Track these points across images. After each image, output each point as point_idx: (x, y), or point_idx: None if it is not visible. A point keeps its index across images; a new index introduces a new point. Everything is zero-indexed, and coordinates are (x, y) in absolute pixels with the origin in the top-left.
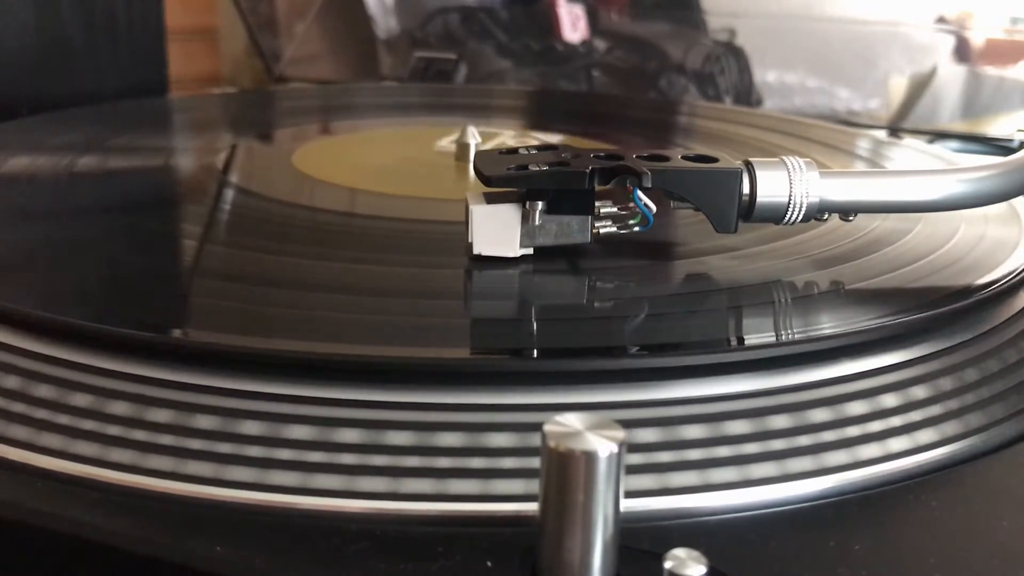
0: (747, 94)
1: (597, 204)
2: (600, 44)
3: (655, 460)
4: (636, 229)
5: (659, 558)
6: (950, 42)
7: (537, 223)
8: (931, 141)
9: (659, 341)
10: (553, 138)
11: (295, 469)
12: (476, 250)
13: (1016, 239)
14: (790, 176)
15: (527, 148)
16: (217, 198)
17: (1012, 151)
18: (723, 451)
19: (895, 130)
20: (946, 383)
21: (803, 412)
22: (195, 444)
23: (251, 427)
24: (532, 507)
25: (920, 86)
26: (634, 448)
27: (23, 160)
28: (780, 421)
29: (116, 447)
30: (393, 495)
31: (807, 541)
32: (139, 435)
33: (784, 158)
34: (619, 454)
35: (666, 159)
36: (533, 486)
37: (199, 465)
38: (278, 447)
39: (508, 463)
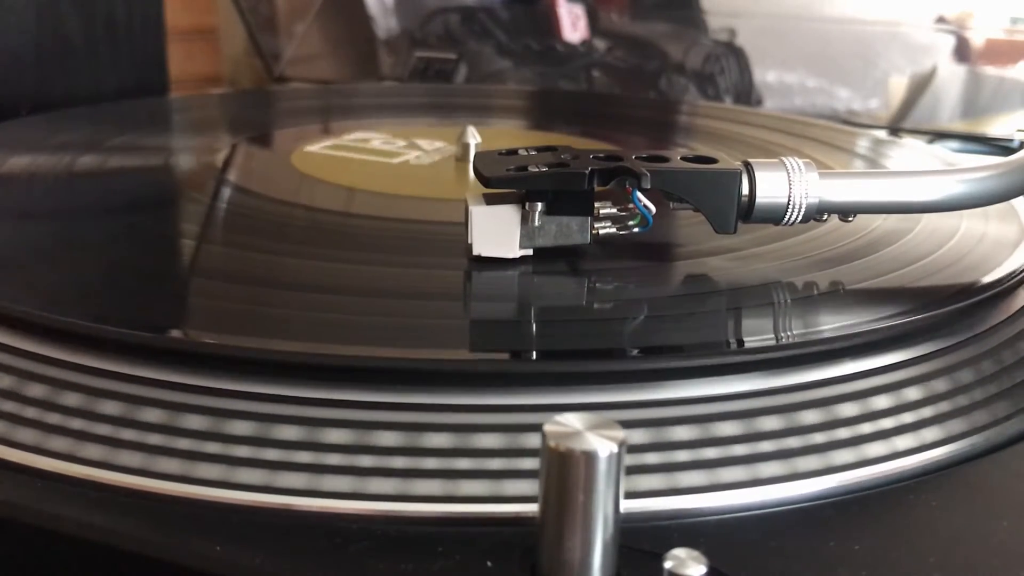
0: (747, 94)
1: (596, 205)
2: (600, 44)
3: (655, 460)
4: (635, 230)
5: (659, 558)
6: (950, 42)
7: (536, 224)
8: (931, 141)
9: (658, 343)
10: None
11: (295, 470)
12: (476, 251)
13: (1016, 240)
14: (789, 177)
15: (526, 149)
16: (216, 198)
17: (1012, 151)
18: (723, 451)
19: (895, 130)
20: (945, 382)
21: (802, 412)
22: (193, 445)
23: (250, 428)
24: (532, 507)
25: (920, 86)
26: (634, 448)
27: (23, 160)
28: (780, 421)
29: (115, 448)
30: (393, 496)
31: (807, 541)
32: (139, 436)
33: (783, 159)
34: (619, 454)
35: (665, 160)
36: (533, 486)
37: (198, 466)
38: (278, 448)
39: (507, 463)
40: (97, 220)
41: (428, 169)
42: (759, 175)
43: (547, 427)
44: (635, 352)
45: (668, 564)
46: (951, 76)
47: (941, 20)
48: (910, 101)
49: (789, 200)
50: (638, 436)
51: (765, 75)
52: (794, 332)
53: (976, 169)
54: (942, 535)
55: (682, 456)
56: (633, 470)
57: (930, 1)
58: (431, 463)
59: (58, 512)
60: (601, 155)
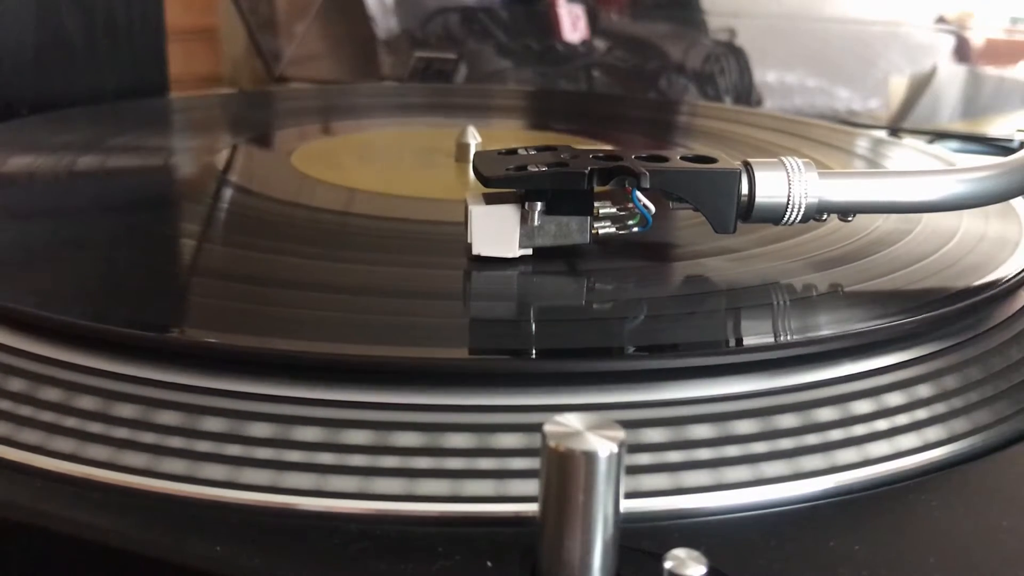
0: (747, 94)
1: (596, 205)
2: (600, 44)
3: (655, 460)
4: (635, 230)
5: (659, 558)
6: (950, 42)
7: (536, 224)
8: (931, 141)
9: (658, 342)
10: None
11: (295, 470)
12: (475, 251)
13: (1016, 239)
14: (789, 176)
15: (526, 149)
16: (217, 198)
17: (1012, 151)
18: (723, 451)
19: (895, 130)
20: (946, 382)
21: (804, 412)
22: (196, 445)
23: (253, 428)
24: (532, 507)
25: (920, 86)
26: (633, 448)
27: (23, 160)
28: (781, 421)
29: (116, 448)
30: (393, 496)
31: (807, 541)
32: (140, 437)
33: (783, 158)
34: (619, 454)
35: (665, 159)
36: (533, 486)
37: (199, 466)
38: (278, 448)
39: (507, 463)
40: (97, 220)
41: (428, 169)
42: (759, 175)
43: (547, 427)
44: (635, 351)
45: (668, 564)
46: (951, 76)
47: (941, 20)
48: (910, 101)
49: (789, 200)
50: (639, 436)
51: (765, 75)
52: (794, 332)
53: (976, 169)
54: (942, 535)
55: (682, 456)
56: (634, 470)
57: (930, 1)
58: (429, 462)
59: (59, 513)
60: (601, 155)
